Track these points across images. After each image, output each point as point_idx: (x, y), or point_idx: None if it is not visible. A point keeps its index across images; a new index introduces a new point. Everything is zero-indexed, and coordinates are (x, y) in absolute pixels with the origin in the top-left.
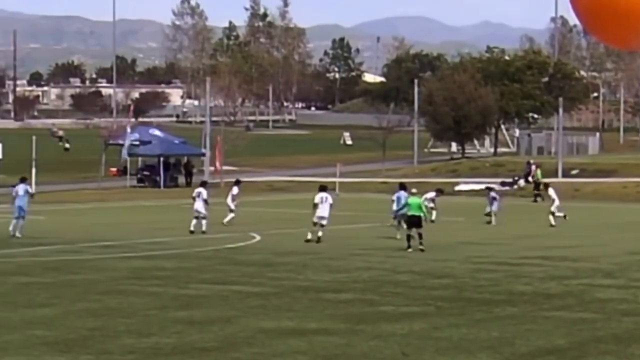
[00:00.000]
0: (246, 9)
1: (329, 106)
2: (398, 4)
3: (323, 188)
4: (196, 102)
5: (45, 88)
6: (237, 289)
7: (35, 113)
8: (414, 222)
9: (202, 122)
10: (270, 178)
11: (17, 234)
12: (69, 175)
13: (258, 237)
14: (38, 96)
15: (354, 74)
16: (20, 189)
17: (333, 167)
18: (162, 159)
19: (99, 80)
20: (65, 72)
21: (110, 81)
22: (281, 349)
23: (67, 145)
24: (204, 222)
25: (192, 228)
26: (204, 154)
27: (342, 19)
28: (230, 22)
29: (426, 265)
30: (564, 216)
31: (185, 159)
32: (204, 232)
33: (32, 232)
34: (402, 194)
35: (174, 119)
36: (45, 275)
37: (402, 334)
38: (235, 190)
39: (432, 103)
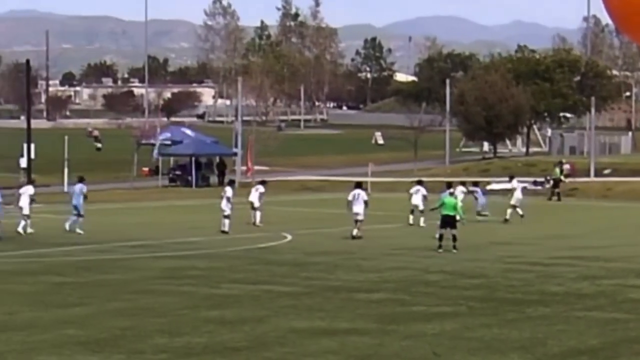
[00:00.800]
0: (278, 9)
1: (361, 106)
2: (430, 3)
3: (358, 185)
4: (228, 102)
5: (78, 88)
6: (268, 289)
7: (68, 113)
8: (448, 222)
9: (233, 122)
10: (302, 178)
11: (78, 231)
12: (101, 175)
13: (289, 237)
14: (70, 96)
15: (385, 73)
16: (77, 188)
17: (365, 166)
18: (194, 158)
19: (131, 80)
20: (97, 72)
21: (142, 81)
22: (312, 349)
23: (99, 145)
24: (226, 221)
25: (223, 228)
26: (235, 154)
27: (374, 18)
28: (262, 22)
29: (458, 265)
30: (522, 215)
31: (217, 159)
32: (224, 232)
33: (65, 232)
34: (446, 193)
35: (195, 118)
36: (78, 275)
37: (434, 334)
38: (261, 189)
39: (464, 103)
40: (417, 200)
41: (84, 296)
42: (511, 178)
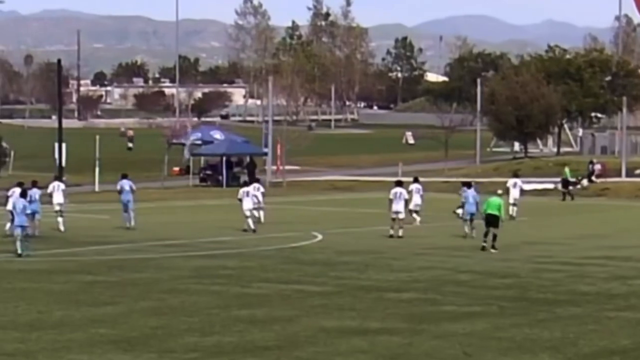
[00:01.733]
0: (309, 9)
1: (391, 105)
2: (461, 3)
3: (399, 183)
4: (259, 102)
5: (109, 88)
6: (299, 288)
7: (99, 113)
8: (492, 221)
9: (265, 122)
10: (332, 177)
11: (131, 225)
12: (132, 174)
13: (320, 237)
14: (101, 96)
15: (416, 73)
16: (125, 184)
17: (395, 166)
18: (224, 158)
19: (162, 79)
20: (128, 72)
21: (173, 81)
22: (343, 348)
23: (130, 145)
24: (250, 220)
25: (252, 227)
26: (266, 153)
27: (405, 18)
28: (293, 22)
29: (488, 264)
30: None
31: (247, 158)
32: (254, 231)
33: (96, 231)
34: (470, 192)
35: (218, 118)
36: (110, 274)
37: (464, 333)
38: (262, 188)
39: (495, 102)
40: (417, 199)
41: (115, 295)
42: (515, 175)
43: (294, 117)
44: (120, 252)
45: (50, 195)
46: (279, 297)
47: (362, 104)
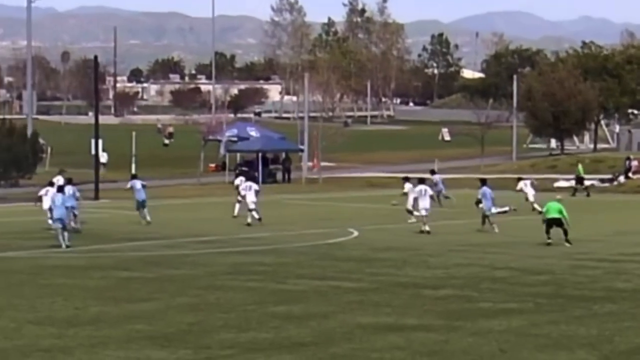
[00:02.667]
0: (345, 5)
1: (427, 102)
2: None
3: (422, 180)
4: (295, 98)
5: (145, 84)
6: (335, 285)
7: (135, 109)
8: (555, 224)
9: (301, 118)
10: (368, 174)
11: (147, 219)
12: (169, 170)
13: (356, 233)
14: (138, 92)
15: (452, 69)
16: (137, 183)
17: (431, 163)
18: (260, 154)
19: (198, 76)
20: (164, 68)
21: (209, 77)
22: (379, 345)
23: (166, 142)
24: (254, 213)
25: (258, 216)
26: (302, 150)
27: (441, 14)
28: (329, 18)
29: (525, 261)
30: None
31: (283, 155)
32: (250, 224)
33: (133, 228)
34: (486, 189)
35: (252, 115)
36: (146, 270)
37: (500, 330)
38: (255, 186)
39: (531, 99)
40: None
41: (151, 291)
42: (519, 180)
43: (330, 114)
44: (157, 248)
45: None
46: (315, 293)
47: (398, 101)
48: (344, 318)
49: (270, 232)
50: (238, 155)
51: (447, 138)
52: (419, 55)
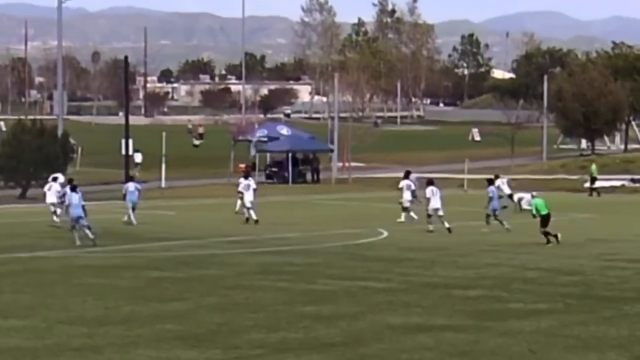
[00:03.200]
0: (374, 5)
1: (457, 102)
2: None
3: (430, 182)
4: (324, 99)
5: (175, 84)
6: (364, 285)
7: (165, 109)
8: (548, 218)
9: (331, 118)
10: (398, 174)
11: (134, 222)
12: (199, 171)
13: (386, 233)
14: (168, 93)
15: (482, 69)
16: (131, 186)
17: (461, 163)
18: (290, 154)
19: (228, 76)
20: (194, 69)
21: (239, 78)
22: (408, 345)
23: (196, 142)
24: (252, 211)
25: (255, 217)
26: (332, 150)
27: (472, 14)
28: (359, 18)
29: (555, 262)
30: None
31: (312, 155)
32: (248, 221)
33: (163, 227)
34: (493, 189)
35: (282, 115)
36: (176, 270)
37: (530, 331)
38: (253, 184)
39: (562, 99)
40: (408, 195)
41: (182, 291)
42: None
43: (360, 114)
44: (187, 248)
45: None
46: (345, 293)
47: (428, 101)
48: (374, 318)
49: (299, 233)
50: (268, 155)
51: (477, 138)
52: (449, 56)
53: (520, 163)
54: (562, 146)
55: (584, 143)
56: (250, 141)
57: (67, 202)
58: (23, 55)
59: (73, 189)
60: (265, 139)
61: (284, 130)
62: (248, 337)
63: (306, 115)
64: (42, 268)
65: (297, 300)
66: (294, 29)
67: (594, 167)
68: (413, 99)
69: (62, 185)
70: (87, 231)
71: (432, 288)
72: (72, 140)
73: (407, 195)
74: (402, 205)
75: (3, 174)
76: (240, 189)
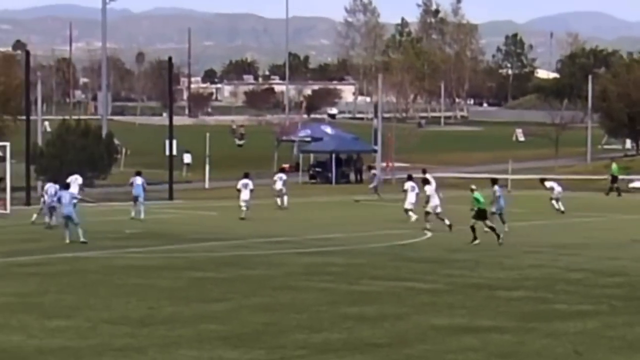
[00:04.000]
0: (418, 6)
1: (501, 102)
2: None
3: (426, 181)
4: (368, 99)
5: (219, 85)
6: (408, 286)
7: (209, 110)
8: (484, 214)
9: (373, 119)
10: (442, 175)
11: (140, 217)
12: (242, 171)
13: (430, 234)
14: (212, 93)
15: (526, 70)
16: (137, 180)
17: (505, 163)
18: (333, 155)
19: (272, 77)
20: (238, 69)
21: (282, 78)
22: (453, 346)
23: (239, 142)
24: (244, 209)
25: (242, 215)
26: (375, 151)
27: (516, 14)
28: (403, 19)
29: (599, 263)
30: (562, 211)
31: (355, 156)
32: (242, 218)
33: (205, 228)
34: (497, 188)
35: (325, 115)
36: (218, 271)
37: (575, 332)
38: (284, 176)
39: (606, 99)
40: (412, 198)
41: (224, 291)
42: (542, 181)
43: (404, 114)
44: (229, 249)
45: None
46: (389, 294)
47: (472, 101)
48: (418, 319)
49: (343, 233)
50: (311, 155)
51: (521, 139)
52: (493, 56)
53: (564, 164)
54: (606, 147)
55: (628, 143)
56: (293, 141)
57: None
58: (67, 56)
59: (64, 188)
60: (309, 139)
61: (328, 130)
62: (291, 337)
63: (349, 116)
64: (85, 268)
65: (341, 300)
66: (337, 29)
67: (614, 166)
68: (457, 100)
69: (81, 187)
70: (77, 230)
71: (477, 289)
72: (116, 141)
73: (411, 198)
74: (405, 208)
75: (47, 174)
76: (238, 186)
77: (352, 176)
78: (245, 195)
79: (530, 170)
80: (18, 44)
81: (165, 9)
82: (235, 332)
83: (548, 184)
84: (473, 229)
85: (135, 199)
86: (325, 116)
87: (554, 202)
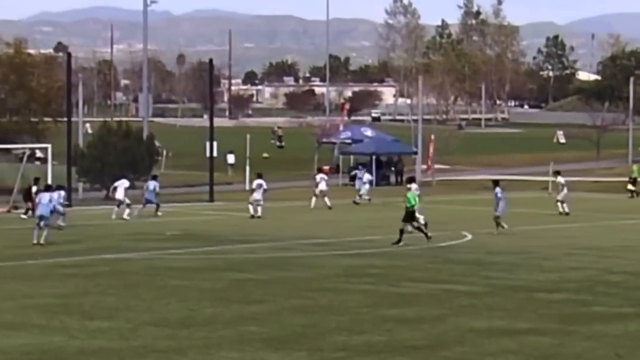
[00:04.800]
0: (459, 7)
1: (542, 104)
2: (614, 0)
3: (412, 179)
4: (408, 101)
5: (260, 87)
6: (448, 288)
7: (250, 112)
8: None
9: (415, 121)
10: (483, 177)
11: (134, 214)
12: (282, 173)
13: (470, 236)
14: (252, 95)
15: (567, 71)
16: (151, 184)
17: (546, 165)
18: (374, 157)
19: (312, 79)
20: (279, 71)
21: (323, 80)
22: (492, 349)
23: (279, 144)
24: (259, 208)
25: (252, 213)
26: (416, 152)
27: (557, 16)
28: (443, 21)
29: None
30: (567, 213)
31: (396, 158)
32: (259, 217)
33: (246, 230)
34: (498, 190)
35: (368, 118)
36: (259, 272)
37: (616, 335)
38: (325, 177)
39: None
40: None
41: (265, 293)
42: (557, 174)
43: (444, 116)
44: (269, 250)
45: (115, 189)
46: (428, 296)
47: (513, 103)
48: (457, 321)
49: (382, 235)
50: (352, 157)
51: (562, 141)
52: (534, 58)
53: (606, 166)
54: None
55: None
56: (334, 143)
57: (37, 201)
58: (109, 58)
59: (46, 190)
60: (349, 141)
61: (368, 132)
62: (331, 339)
63: (390, 118)
64: (126, 270)
65: (381, 302)
66: (378, 31)
67: (635, 167)
68: (497, 102)
69: (126, 188)
70: (46, 232)
71: (516, 291)
72: (157, 143)
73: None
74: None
75: (89, 176)
76: (253, 186)
77: (392, 178)
78: (257, 195)
79: (572, 172)
80: (59, 46)
81: (206, 11)
82: (275, 334)
83: (561, 179)
84: (401, 231)
85: (146, 202)
86: (368, 118)
87: (559, 204)
